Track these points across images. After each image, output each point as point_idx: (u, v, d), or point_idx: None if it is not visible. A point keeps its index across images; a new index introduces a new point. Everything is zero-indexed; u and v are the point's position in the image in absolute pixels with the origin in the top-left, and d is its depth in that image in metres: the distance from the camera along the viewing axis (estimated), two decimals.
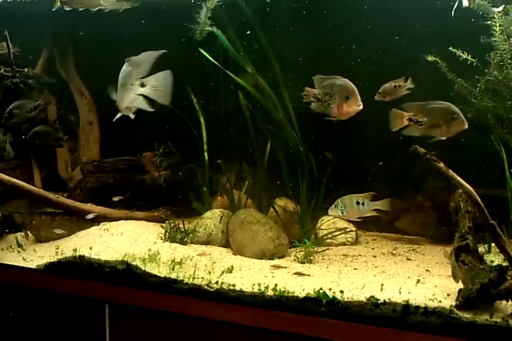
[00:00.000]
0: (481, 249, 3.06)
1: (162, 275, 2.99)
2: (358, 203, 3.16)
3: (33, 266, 3.35)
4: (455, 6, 3.32)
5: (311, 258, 3.44)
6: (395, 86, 3.20)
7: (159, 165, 4.31)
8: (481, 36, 3.24)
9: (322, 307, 2.59)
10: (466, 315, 2.37)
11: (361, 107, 2.93)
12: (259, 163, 4.06)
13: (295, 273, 3.13)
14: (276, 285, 2.80)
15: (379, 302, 2.50)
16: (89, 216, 3.93)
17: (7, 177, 3.96)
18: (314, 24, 4.00)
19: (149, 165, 4.35)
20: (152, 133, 4.39)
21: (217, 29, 3.82)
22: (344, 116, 3.00)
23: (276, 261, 3.44)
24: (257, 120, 3.93)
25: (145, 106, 2.94)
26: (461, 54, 3.28)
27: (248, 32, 3.93)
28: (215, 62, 3.93)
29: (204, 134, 4.23)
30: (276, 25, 4.04)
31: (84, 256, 3.21)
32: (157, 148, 4.30)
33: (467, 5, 3.25)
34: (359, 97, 2.93)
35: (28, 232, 4.01)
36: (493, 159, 3.30)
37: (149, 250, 3.42)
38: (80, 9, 3.92)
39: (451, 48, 3.30)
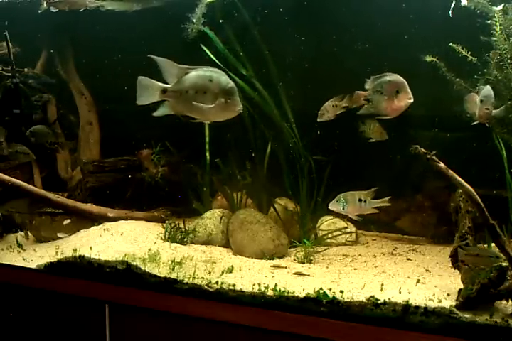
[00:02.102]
0: None
1: (162, 275, 2.99)
2: (360, 200, 3.17)
3: (33, 266, 3.35)
4: (452, 5, 3.31)
5: (311, 258, 3.44)
6: (333, 105, 3.34)
7: (157, 163, 4.31)
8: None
9: (322, 307, 2.59)
10: (466, 315, 2.37)
11: (412, 100, 2.88)
12: (259, 163, 4.06)
13: (295, 273, 3.13)
14: (276, 285, 2.80)
15: (379, 302, 2.50)
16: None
17: (7, 177, 3.96)
18: (313, 23, 4.00)
19: (147, 162, 4.36)
20: (153, 132, 4.39)
21: (213, 28, 3.82)
22: (396, 112, 2.95)
23: (276, 261, 3.44)
24: (257, 120, 3.92)
25: None
26: (462, 51, 3.28)
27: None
28: (217, 62, 3.92)
29: (207, 134, 4.23)
30: (274, 24, 4.04)
31: (84, 256, 3.21)
32: (154, 146, 4.30)
33: (466, 4, 3.24)
34: (409, 90, 2.89)
35: (28, 232, 4.01)
36: (493, 159, 3.30)
37: (149, 250, 3.43)
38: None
39: (451, 44, 3.30)
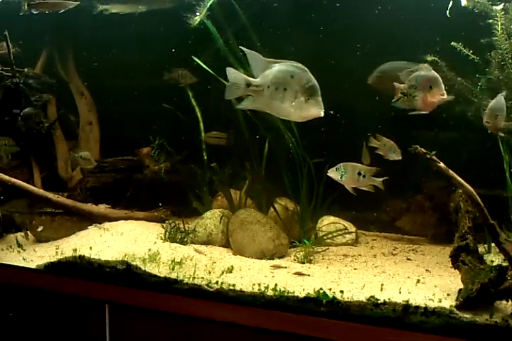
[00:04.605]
0: (481, 249, 3.06)
1: (162, 275, 2.99)
2: (359, 174, 3.16)
3: (33, 266, 3.35)
4: (450, 5, 3.31)
5: (311, 258, 3.44)
6: None
7: (157, 159, 4.32)
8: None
9: (322, 307, 2.59)
10: (466, 315, 2.37)
11: (445, 96, 2.84)
12: (257, 163, 4.05)
13: (295, 273, 3.13)
14: (276, 285, 2.80)
15: (379, 302, 2.50)
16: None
17: (7, 177, 3.96)
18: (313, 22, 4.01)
19: (148, 160, 4.36)
20: (151, 132, 4.39)
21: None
22: (429, 108, 2.90)
23: (276, 261, 3.44)
24: (256, 121, 3.92)
25: None
26: (463, 49, 3.27)
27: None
28: (207, 68, 3.94)
29: (202, 134, 4.23)
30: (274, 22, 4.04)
31: (84, 256, 3.21)
32: (152, 141, 4.30)
33: (466, 3, 3.24)
34: (443, 86, 2.85)
35: (28, 232, 4.01)
36: (494, 159, 3.30)
37: (149, 250, 3.43)
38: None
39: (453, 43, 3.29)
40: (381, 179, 3.21)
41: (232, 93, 2.73)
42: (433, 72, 2.88)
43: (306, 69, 2.60)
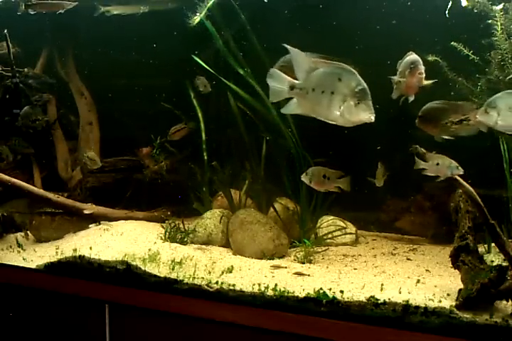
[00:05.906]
0: (481, 249, 3.06)
1: (162, 275, 2.99)
2: (324, 176, 3.23)
3: (33, 266, 3.35)
4: (449, 5, 3.32)
5: (311, 258, 3.44)
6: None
7: (157, 159, 4.32)
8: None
9: (322, 307, 2.59)
10: (466, 315, 2.37)
11: (423, 75, 2.80)
12: (257, 163, 4.05)
13: (295, 273, 3.13)
14: (276, 285, 2.80)
15: (379, 302, 2.50)
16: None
17: (7, 177, 3.96)
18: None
19: (148, 160, 4.37)
20: (151, 132, 4.39)
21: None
22: (412, 91, 2.86)
23: (276, 261, 3.44)
24: (255, 121, 3.92)
25: None
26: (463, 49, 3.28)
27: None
28: (209, 69, 3.94)
29: (203, 134, 4.24)
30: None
31: (84, 256, 3.21)
32: (153, 140, 4.31)
33: (466, 4, 3.24)
34: (421, 67, 2.81)
35: (28, 232, 4.01)
36: (493, 159, 3.30)
37: (149, 250, 3.43)
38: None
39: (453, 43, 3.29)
40: (342, 179, 3.26)
41: (275, 96, 2.59)
42: (414, 55, 2.88)
43: (355, 71, 2.44)
